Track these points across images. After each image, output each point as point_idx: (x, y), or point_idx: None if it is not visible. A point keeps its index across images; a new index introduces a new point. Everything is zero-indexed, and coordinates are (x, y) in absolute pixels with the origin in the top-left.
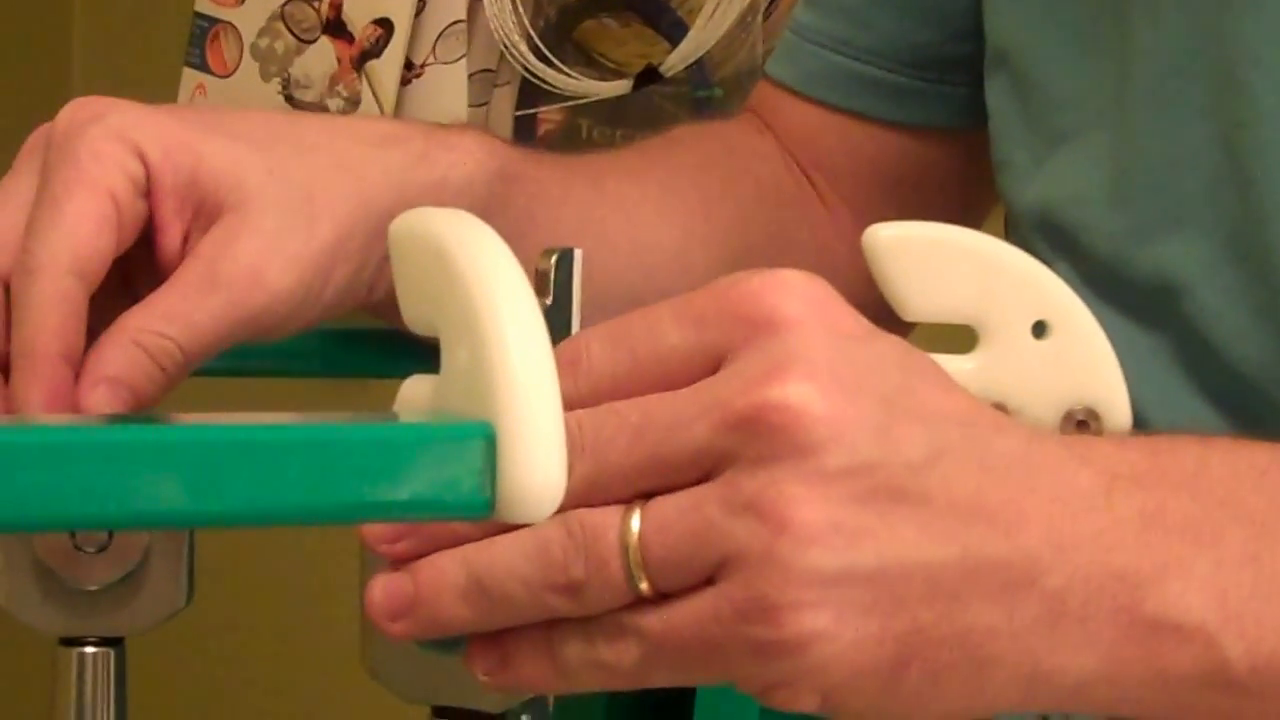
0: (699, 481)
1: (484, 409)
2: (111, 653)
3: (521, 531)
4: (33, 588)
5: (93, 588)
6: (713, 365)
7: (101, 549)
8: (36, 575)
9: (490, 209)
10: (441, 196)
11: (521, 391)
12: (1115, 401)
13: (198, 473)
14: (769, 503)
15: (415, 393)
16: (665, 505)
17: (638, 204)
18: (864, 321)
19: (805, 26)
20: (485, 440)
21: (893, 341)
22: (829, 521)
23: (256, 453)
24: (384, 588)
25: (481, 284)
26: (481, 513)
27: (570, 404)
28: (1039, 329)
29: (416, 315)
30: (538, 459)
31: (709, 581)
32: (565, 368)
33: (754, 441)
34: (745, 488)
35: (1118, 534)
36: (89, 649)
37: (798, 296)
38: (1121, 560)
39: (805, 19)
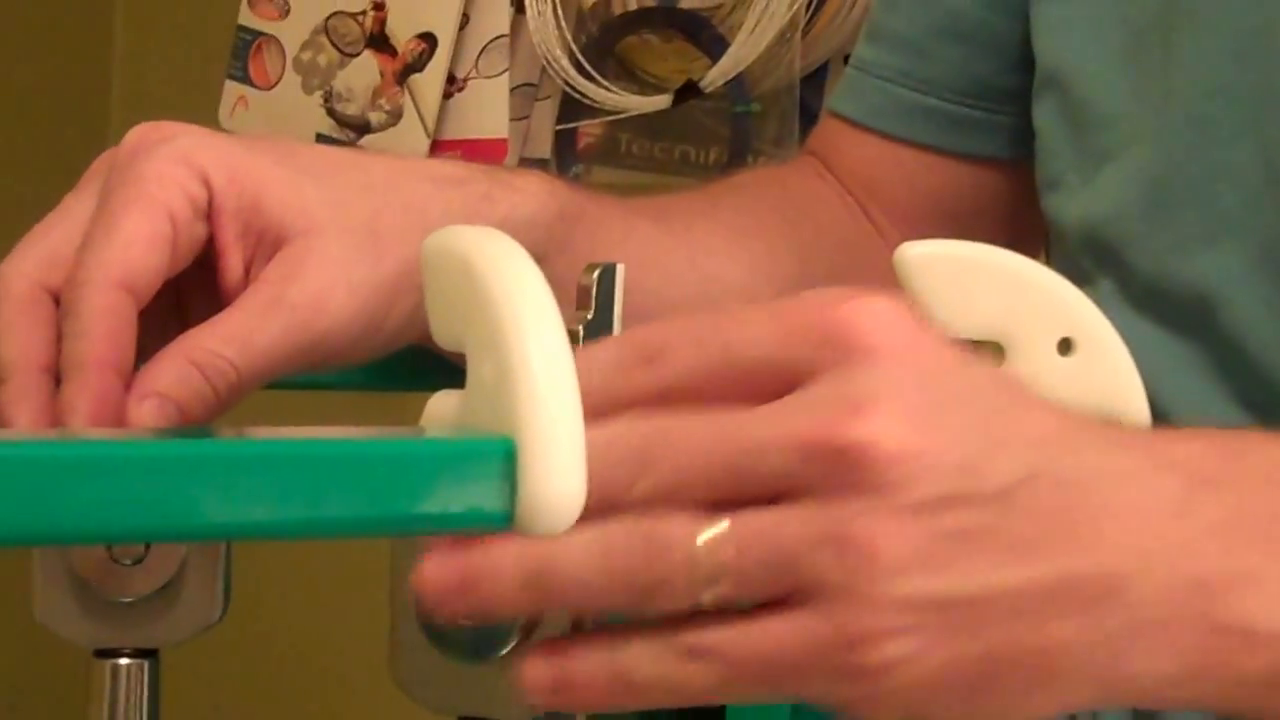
0: (773, 499)
1: (506, 423)
2: (146, 664)
3: (587, 532)
4: (68, 600)
5: (128, 600)
6: (793, 381)
7: (137, 561)
8: (72, 587)
9: (551, 249)
10: None
11: (542, 406)
12: (1139, 418)
13: (223, 487)
14: (852, 536)
15: (442, 407)
16: (745, 525)
17: (704, 240)
18: (953, 349)
19: (867, 62)
20: (505, 454)
21: (980, 368)
22: (913, 552)
23: (281, 467)
24: (438, 567)
25: (506, 300)
26: (501, 525)
27: (646, 396)
28: (1064, 346)
29: (445, 331)
30: (557, 472)
31: (782, 601)
32: (645, 358)
33: (836, 474)
34: (828, 517)
35: (1199, 543)
36: (123, 661)
37: (887, 325)
38: (1201, 568)
39: (867, 55)
